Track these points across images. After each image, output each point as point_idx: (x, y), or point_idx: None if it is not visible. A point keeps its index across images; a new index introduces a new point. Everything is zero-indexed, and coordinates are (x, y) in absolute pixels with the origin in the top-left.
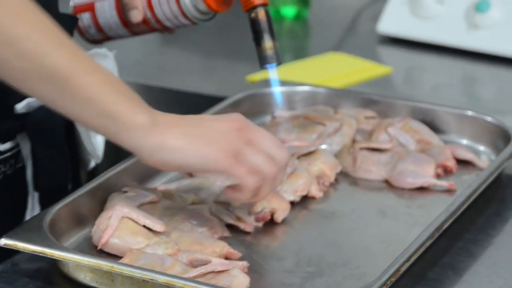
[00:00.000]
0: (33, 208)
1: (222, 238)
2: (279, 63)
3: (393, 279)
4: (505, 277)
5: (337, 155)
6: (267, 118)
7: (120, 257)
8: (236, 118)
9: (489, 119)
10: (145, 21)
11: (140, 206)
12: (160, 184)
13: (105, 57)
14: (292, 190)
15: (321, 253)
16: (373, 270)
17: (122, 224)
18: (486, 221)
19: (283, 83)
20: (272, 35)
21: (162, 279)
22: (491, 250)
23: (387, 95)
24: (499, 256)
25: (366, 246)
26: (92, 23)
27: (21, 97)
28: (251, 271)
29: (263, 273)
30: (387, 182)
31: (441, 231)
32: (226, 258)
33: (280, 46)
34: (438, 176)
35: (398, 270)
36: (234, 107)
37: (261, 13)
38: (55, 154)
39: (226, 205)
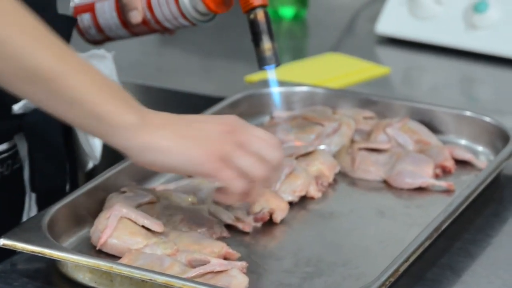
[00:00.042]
0: (30, 209)
1: (221, 239)
2: (278, 64)
3: (392, 279)
4: (503, 278)
5: (336, 155)
6: (266, 119)
7: (119, 257)
8: (228, 121)
9: (487, 119)
10: (144, 22)
11: (139, 207)
12: (158, 184)
13: (104, 58)
14: (291, 190)
15: (320, 253)
16: (372, 270)
17: (120, 224)
18: (485, 222)
19: (281, 83)
20: (271, 36)
21: (161, 279)
22: (490, 251)
23: (386, 95)
24: (497, 257)
25: (364, 246)
26: (92, 23)
27: (18, 97)
28: (250, 272)
29: (262, 273)
30: (385, 182)
31: (439, 231)
32: (225, 258)
33: (278, 46)
34: (436, 176)
35: (397, 270)
36: (233, 107)
37: (260, 14)
38: (52, 155)
39: (225, 205)
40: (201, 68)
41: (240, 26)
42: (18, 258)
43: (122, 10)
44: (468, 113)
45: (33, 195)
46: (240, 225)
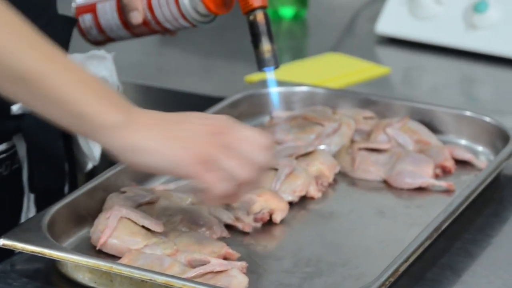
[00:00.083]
0: (28, 210)
1: (221, 239)
2: (276, 66)
3: (391, 279)
4: (503, 278)
5: (336, 155)
6: (266, 119)
7: (119, 258)
8: (217, 121)
9: (487, 119)
10: (145, 22)
11: (139, 207)
12: (158, 184)
13: (104, 59)
14: (291, 190)
15: (320, 253)
16: (371, 270)
17: (120, 224)
18: (485, 222)
19: (281, 83)
20: (271, 38)
21: (160, 279)
22: (490, 251)
23: (386, 95)
24: (497, 257)
25: (364, 246)
26: (94, 24)
27: None
28: (250, 272)
29: (261, 273)
30: (385, 182)
31: (439, 231)
32: (225, 258)
33: (278, 46)
34: (436, 176)
35: (396, 270)
36: (233, 107)
37: (259, 16)
38: (50, 156)
39: (225, 205)
40: (201, 68)
41: (240, 26)
42: (18, 258)
43: (123, 11)
44: (468, 113)
45: (32, 196)
46: (240, 225)
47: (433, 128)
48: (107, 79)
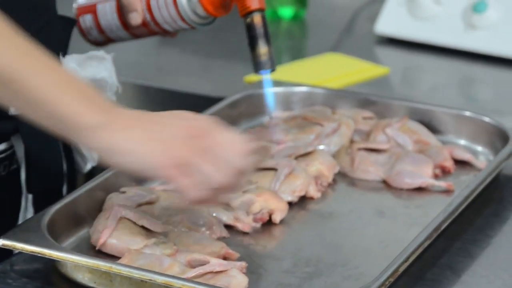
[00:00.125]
0: (26, 210)
1: (221, 239)
2: (273, 69)
3: (391, 280)
4: (503, 278)
5: (335, 155)
6: (265, 119)
7: (119, 258)
8: (198, 124)
9: (487, 119)
10: (144, 24)
11: (139, 207)
12: (158, 184)
13: (103, 59)
14: (290, 190)
15: (319, 253)
16: (371, 270)
17: (120, 224)
18: (485, 222)
19: (280, 83)
20: (268, 41)
21: (160, 279)
22: (490, 251)
23: (385, 95)
24: (497, 257)
25: (364, 247)
26: (94, 24)
27: None
28: (250, 272)
29: (261, 273)
30: (385, 182)
31: (439, 231)
32: (225, 258)
33: (277, 46)
34: (436, 176)
35: (396, 270)
36: (232, 107)
37: (257, 18)
38: (48, 156)
39: (224, 205)
40: (201, 68)
41: (239, 27)
42: (18, 258)
43: (122, 12)
44: (467, 113)
45: (30, 196)
46: (239, 225)
47: (432, 128)
48: (107, 80)
